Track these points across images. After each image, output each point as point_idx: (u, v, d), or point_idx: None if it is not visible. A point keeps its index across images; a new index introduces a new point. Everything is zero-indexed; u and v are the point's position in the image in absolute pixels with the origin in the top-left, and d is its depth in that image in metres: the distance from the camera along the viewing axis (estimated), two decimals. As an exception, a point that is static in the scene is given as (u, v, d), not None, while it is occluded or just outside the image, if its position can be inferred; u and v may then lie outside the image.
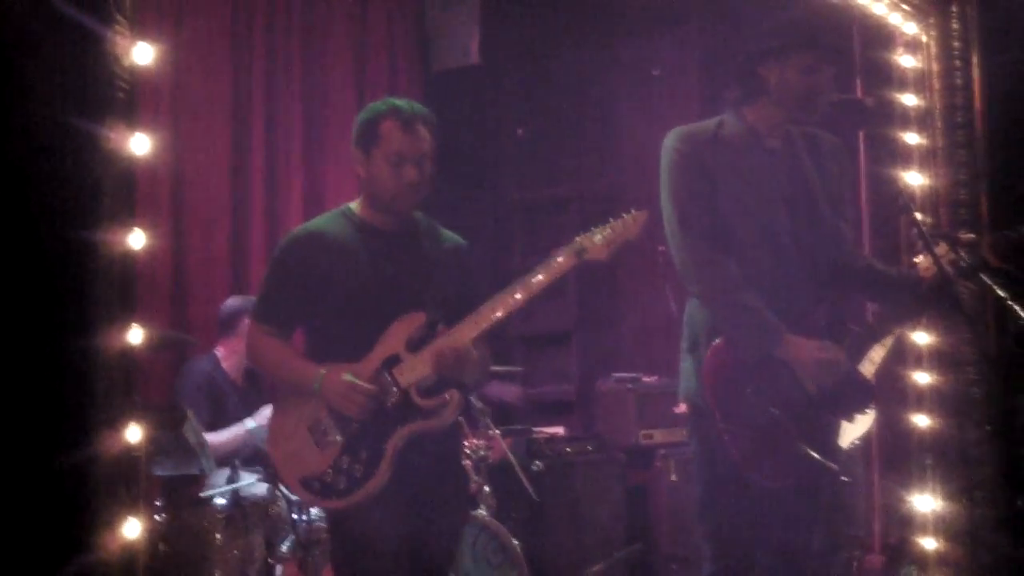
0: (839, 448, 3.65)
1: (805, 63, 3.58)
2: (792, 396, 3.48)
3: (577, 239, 3.44)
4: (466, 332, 3.44)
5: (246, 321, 4.45)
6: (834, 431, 3.62)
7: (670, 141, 3.63)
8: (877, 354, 4.46)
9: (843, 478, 3.53)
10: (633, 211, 3.46)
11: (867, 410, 3.67)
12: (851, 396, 3.57)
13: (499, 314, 3.43)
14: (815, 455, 3.42)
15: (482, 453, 5.35)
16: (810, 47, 3.59)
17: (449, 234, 3.76)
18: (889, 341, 4.40)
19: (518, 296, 3.42)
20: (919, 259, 3.63)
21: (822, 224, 3.64)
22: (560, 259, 3.44)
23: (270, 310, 3.64)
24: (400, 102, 3.62)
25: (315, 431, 3.48)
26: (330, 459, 3.45)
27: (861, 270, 3.72)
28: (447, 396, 3.46)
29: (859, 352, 3.70)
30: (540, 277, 3.43)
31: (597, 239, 3.43)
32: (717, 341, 3.51)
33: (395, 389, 3.45)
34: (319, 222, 3.69)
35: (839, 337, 3.55)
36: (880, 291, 3.79)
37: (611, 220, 3.45)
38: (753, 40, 3.68)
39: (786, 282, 3.55)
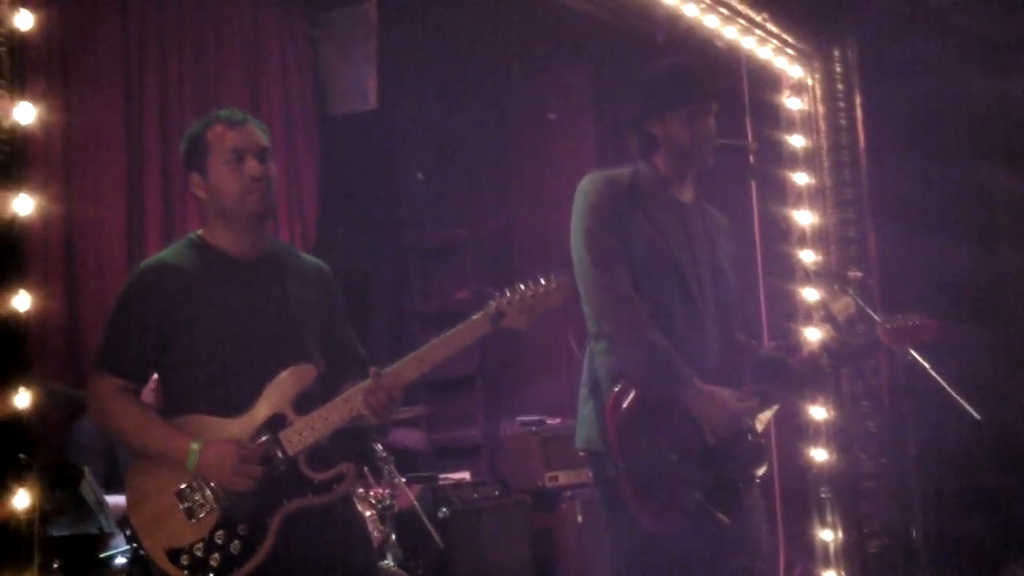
0: (740, 495, 3.66)
1: (686, 115, 3.64)
2: (691, 444, 3.49)
3: (493, 303, 3.12)
4: (407, 374, 3.10)
5: None
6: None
7: (586, 184, 3.65)
8: (766, 414, 4.54)
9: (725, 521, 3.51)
10: (553, 277, 3.17)
11: (760, 470, 3.70)
12: (747, 454, 3.60)
13: (427, 367, 3.11)
14: (708, 506, 3.45)
15: (387, 502, 5.30)
16: (686, 100, 3.65)
17: (310, 258, 3.46)
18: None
19: (438, 354, 3.11)
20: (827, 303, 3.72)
21: (726, 283, 3.72)
22: (475, 321, 3.12)
23: (120, 358, 3.14)
24: (221, 111, 3.31)
25: (185, 497, 3.04)
26: (203, 531, 3.02)
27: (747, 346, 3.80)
28: (343, 469, 3.11)
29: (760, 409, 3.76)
30: (459, 338, 3.12)
31: (515, 306, 3.11)
32: (619, 385, 3.50)
33: (281, 456, 3.06)
34: (168, 254, 3.27)
35: (739, 388, 3.60)
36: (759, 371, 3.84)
37: (530, 284, 3.15)
38: (634, 100, 3.74)
39: (694, 329, 3.59)
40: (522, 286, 3.15)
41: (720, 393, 3.50)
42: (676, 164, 3.71)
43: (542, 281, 3.15)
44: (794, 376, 3.72)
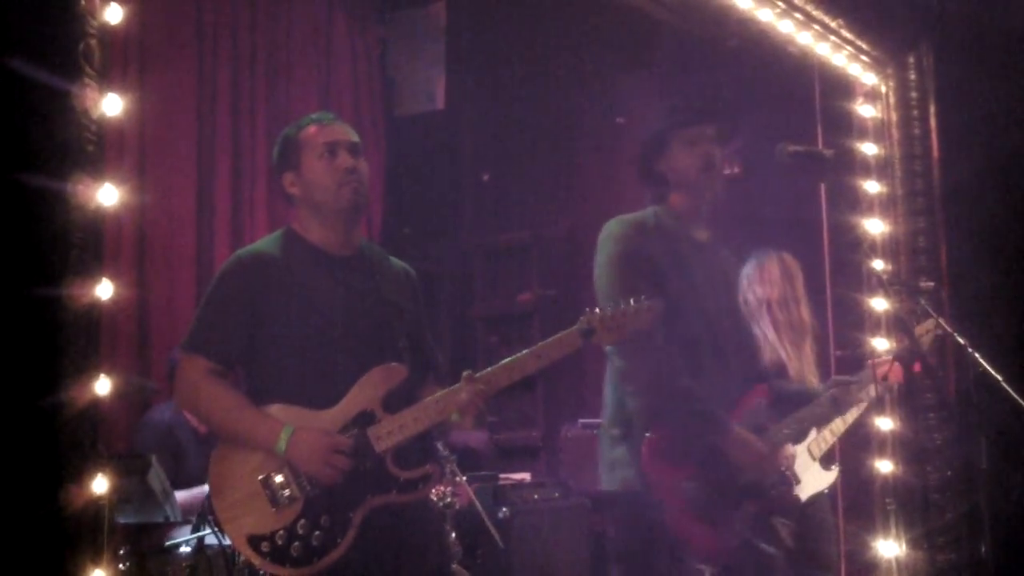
0: (780, 525, 3.69)
1: (684, 141, 3.64)
2: (727, 482, 3.51)
3: (584, 318, 3.20)
4: (498, 381, 3.16)
5: None
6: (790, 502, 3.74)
7: (615, 230, 3.65)
8: (837, 426, 4.51)
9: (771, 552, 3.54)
10: (645, 300, 3.24)
11: (787, 520, 3.72)
12: (779, 485, 3.66)
13: (517, 376, 3.18)
14: (754, 540, 3.45)
15: (448, 500, 5.32)
16: (681, 124, 3.65)
17: (397, 261, 3.51)
18: (851, 415, 4.46)
19: (529, 365, 3.18)
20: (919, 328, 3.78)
21: (742, 322, 3.82)
22: (567, 335, 3.20)
23: (212, 340, 3.20)
24: (311, 115, 3.43)
25: (269, 485, 3.08)
26: (285, 520, 3.05)
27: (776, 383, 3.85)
28: (428, 469, 3.15)
29: (803, 433, 3.89)
30: (550, 350, 3.19)
31: (606, 323, 3.19)
32: (654, 430, 3.50)
33: (368, 452, 3.10)
34: (262, 245, 3.35)
35: (778, 417, 3.66)
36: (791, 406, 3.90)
37: (622, 304, 3.22)
38: (642, 147, 3.76)
39: (721, 370, 3.60)
40: (614, 305, 3.22)
41: (752, 440, 3.52)
42: (689, 200, 3.69)
43: (632, 301, 3.22)
44: (822, 404, 3.89)
